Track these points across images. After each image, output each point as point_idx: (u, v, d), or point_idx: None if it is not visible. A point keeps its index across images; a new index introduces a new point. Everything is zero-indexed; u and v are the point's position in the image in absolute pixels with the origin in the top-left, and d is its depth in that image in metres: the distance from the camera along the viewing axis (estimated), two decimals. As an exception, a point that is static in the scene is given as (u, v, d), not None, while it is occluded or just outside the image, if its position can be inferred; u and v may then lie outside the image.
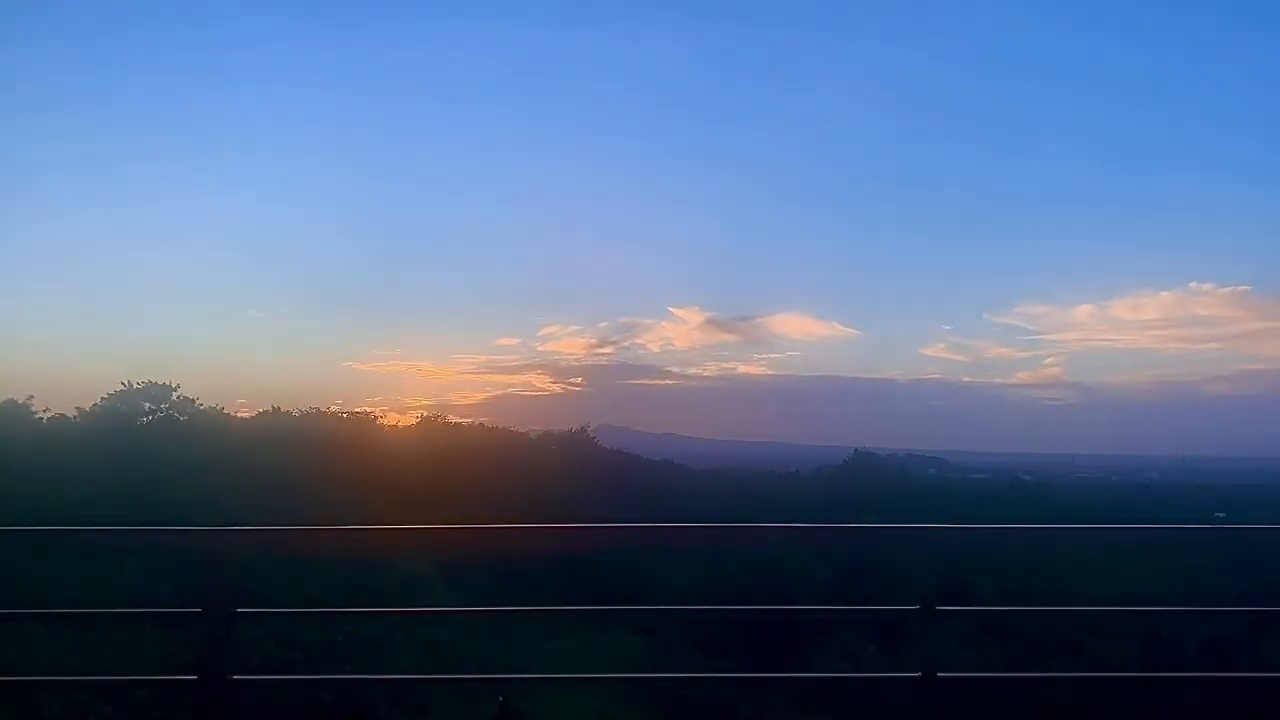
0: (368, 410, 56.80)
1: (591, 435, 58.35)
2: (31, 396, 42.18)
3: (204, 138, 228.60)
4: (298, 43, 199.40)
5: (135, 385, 44.86)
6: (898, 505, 42.84)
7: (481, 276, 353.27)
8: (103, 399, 44.59)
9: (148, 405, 44.86)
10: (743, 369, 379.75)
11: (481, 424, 62.00)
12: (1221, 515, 48.72)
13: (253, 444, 41.83)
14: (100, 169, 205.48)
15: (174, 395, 45.29)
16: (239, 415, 51.53)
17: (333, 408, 55.52)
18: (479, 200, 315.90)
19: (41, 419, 42.58)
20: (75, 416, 44.72)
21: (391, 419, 59.16)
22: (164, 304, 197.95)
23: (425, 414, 60.60)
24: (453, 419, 60.28)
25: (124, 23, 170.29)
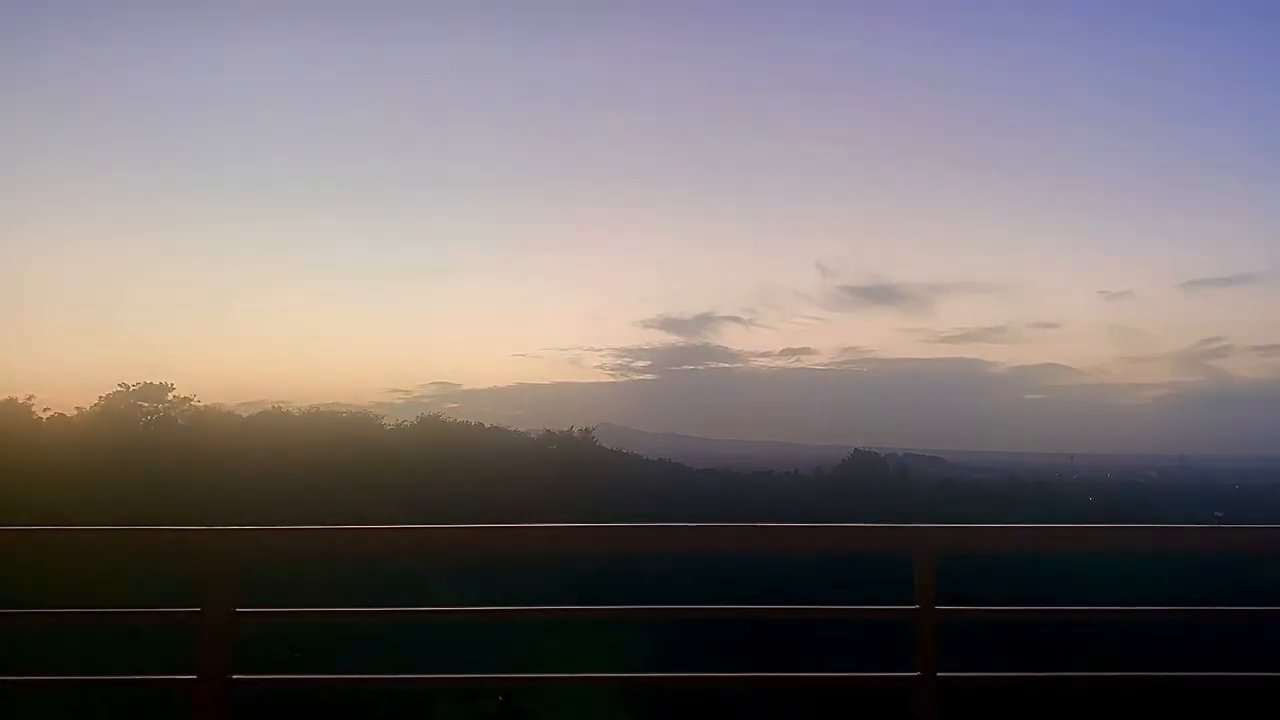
0: (370, 408, 56.83)
1: (591, 435, 58.46)
2: (31, 396, 42.22)
3: (204, 137, 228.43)
4: (316, 38, 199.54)
5: (134, 385, 44.92)
6: (897, 505, 42.81)
7: (584, 244, 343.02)
8: (102, 399, 44.64)
9: (146, 405, 44.89)
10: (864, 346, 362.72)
11: (482, 424, 62.18)
12: (1220, 515, 48.82)
13: (253, 443, 41.85)
14: (100, 170, 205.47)
15: (171, 395, 45.36)
16: (239, 414, 51.62)
17: (339, 401, 55.86)
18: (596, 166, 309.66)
19: (41, 419, 42.62)
20: (75, 416, 44.78)
21: (393, 419, 59.21)
22: (164, 304, 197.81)
23: (425, 414, 60.88)
24: (454, 419, 60.45)
25: (139, 25, 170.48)
